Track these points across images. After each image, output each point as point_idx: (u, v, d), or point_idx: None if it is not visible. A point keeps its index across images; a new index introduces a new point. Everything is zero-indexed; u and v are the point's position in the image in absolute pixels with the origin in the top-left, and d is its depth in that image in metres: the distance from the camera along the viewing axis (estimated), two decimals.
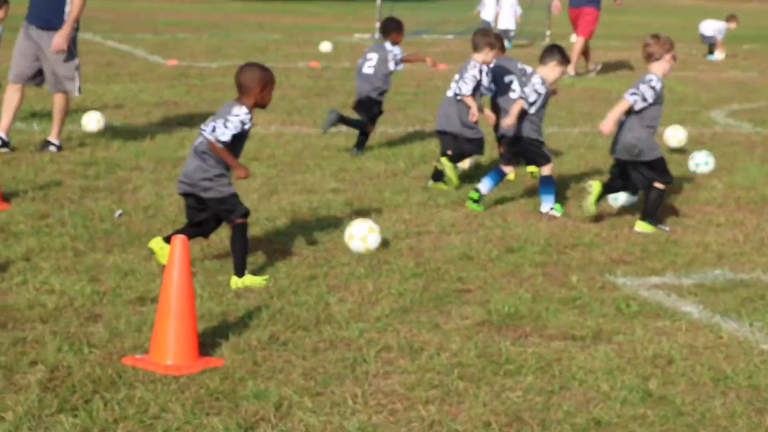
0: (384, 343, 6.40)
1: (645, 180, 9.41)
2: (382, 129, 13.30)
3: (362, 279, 7.68)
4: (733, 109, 17.05)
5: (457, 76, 10.81)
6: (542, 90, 9.92)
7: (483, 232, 9.13)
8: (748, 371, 6.16)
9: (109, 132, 12.77)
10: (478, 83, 10.75)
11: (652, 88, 9.26)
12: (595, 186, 9.41)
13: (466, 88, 10.66)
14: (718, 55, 25.82)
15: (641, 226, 9.35)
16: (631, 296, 7.52)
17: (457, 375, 5.93)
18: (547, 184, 9.96)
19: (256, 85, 7.49)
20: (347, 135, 12.87)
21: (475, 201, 9.93)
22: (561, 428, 5.31)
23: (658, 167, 9.37)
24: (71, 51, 11.56)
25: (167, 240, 7.37)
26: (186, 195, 7.64)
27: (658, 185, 9.38)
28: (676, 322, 6.99)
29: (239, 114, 7.39)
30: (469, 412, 5.47)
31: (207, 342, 6.23)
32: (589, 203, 9.36)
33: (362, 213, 9.24)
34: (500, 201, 10.23)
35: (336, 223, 9.02)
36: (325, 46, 24.44)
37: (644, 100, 9.24)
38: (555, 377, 5.96)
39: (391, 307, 7.08)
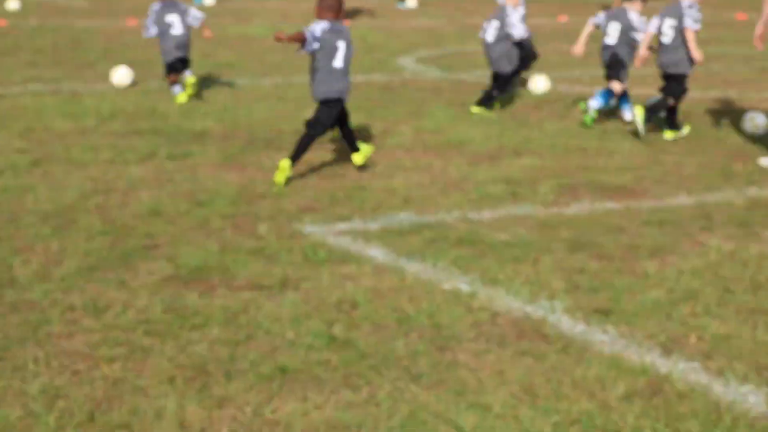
0: (68, 303, 6.27)
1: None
2: (71, 87, 12.98)
3: (47, 239, 7.49)
4: (421, 56, 17.42)
5: None
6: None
7: (172, 187, 9.05)
8: (430, 311, 6.32)
9: None
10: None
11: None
12: (638, 111, 11.08)
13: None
14: (410, 3, 26.31)
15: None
16: (318, 243, 7.60)
17: (142, 331, 5.86)
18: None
19: None
20: (34, 94, 12.49)
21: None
22: (246, 377, 5.33)
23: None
24: None
25: None
26: None
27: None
28: (362, 267, 7.11)
29: None
30: (153, 368, 5.42)
31: None
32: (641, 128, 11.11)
33: (49, 173, 9.01)
34: (189, 155, 10.17)
35: (23, 186, 8.76)
36: (13, 5, 23.63)
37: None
38: (241, 327, 5.97)
39: (77, 266, 6.93)
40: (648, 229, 8.13)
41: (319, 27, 9.19)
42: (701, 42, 18.60)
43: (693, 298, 6.63)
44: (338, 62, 9.36)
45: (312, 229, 7.98)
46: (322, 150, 10.47)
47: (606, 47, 12.10)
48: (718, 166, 10.12)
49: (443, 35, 20.48)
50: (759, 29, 10.60)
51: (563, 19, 24.29)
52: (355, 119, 11.87)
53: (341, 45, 9.33)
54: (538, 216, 8.45)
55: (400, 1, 26.30)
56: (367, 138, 11.01)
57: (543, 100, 13.44)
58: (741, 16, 25.29)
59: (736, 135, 11.45)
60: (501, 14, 12.53)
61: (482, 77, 15.05)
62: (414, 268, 7.13)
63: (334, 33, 9.27)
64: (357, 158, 9.70)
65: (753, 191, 9.26)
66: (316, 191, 9.03)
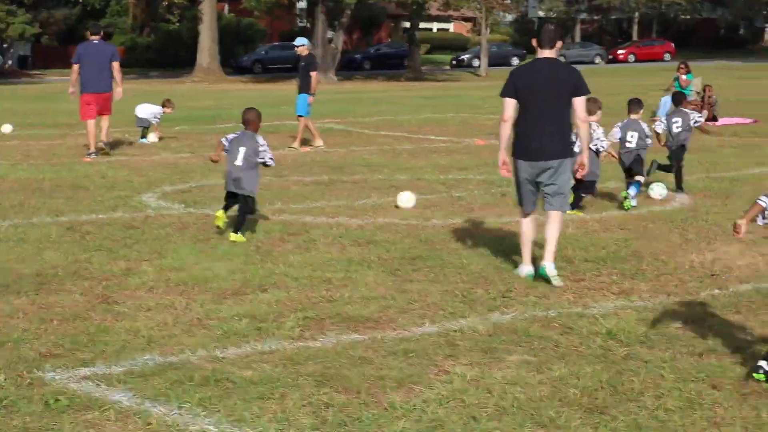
0: None
1: None
2: None
3: None
4: (165, 191, 17.31)
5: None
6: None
7: None
8: None
9: None
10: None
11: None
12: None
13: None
14: (152, 137, 26.19)
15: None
16: (60, 390, 7.36)
17: None
18: None
19: None
20: None
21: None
22: None
23: None
24: None
25: None
26: None
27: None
28: (105, 413, 6.92)
29: None
30: None
31: None
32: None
33: None
34: None
35: None
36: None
37: None
38: None
39: None
40: (394, 359, 8.19)
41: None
42: (443, 168, 19.13)
43: (439, 427, 6.70)
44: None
45: (53, 375, 7.73)
46: (63, 293, 10.23)
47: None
48: (461, 293, 10.31)
49: (187, 169, 20.42)
50: (502, 156, 11.01)
51: (306, 149, 24.59)
52: (96, 260, 11.69)
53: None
54: (284, 351, 8.42)
55: (142, 137, 26.17)
56: (109, 279, 10.82)
57: (287, 232, 13.49)
58: (479, 141, 26.14)
59: (478, 261, 11.71)
60: None
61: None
62: (159, 411, 6.98)
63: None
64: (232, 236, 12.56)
65: (495, 316, 9.47)
66: (57, 335, 8.78)
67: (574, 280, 10.88)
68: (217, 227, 13.24)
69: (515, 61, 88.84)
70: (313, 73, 24.87)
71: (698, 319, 9.29)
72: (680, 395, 7.28)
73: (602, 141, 15.30)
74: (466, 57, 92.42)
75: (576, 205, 14.77)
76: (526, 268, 11.08)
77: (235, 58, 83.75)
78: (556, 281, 10.73)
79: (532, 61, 11.22)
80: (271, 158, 13.37)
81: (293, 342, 8.70)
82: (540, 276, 10.86)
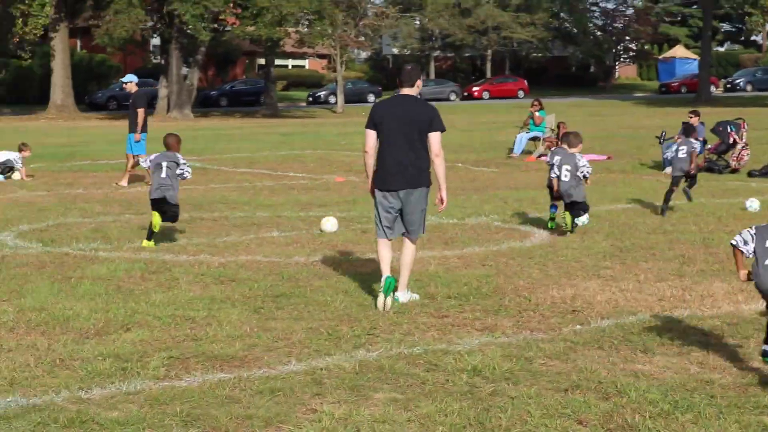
0: None
1: None
2: None
3: None
4: (22, 230, 17.00)
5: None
6: None
7: None
8: None
9: None
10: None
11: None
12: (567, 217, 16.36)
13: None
14: (17, 176, 25.86)
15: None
16: None
17: None
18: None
19: None
20: None
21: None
22: None
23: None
24: None
25: None
26: None
27: None
28: None
29: None
30: None
31: None
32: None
33: None
34: None
35: None
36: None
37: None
38: None
39: None
40: (261, 398, 8.15)
41: None
42: (303, 205, 19.17)
43: None
44: None
45: None
46: None
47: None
48: (326, 330, 10.31)
49: (43, 208, 20.08)
50: (370, 185, 11.71)
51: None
52: None
53: None
54: (150, 391, 8.32)
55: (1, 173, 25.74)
56: None
57: (148, 270, 13.35)
58: (339, 179, 26.25)
59: (342, 298, 11.73)
60: None
61: (86, 249, 14.84)
62: None
63: None
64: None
65: (361, 353, 9.49)
66: None
67: (437, 317, 10.97)
68: (152, 227, 15.35)
69: (371, 98, 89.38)
70: (139, 110, 24.57)
71: (562, 354, 9.43)
72: (547, 431, 7.38)
73: (587, 168, 16.68)
74: (322, 93, 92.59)
75: (573, 224, 16.54)
76: (383, 277, 11.37)
77: (89, 94, 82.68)
78: (403, 298, 11.57)
79: (393, 96, 11.87)
80: (189, 171, 15.65)
81: (158, 382, 8.60)
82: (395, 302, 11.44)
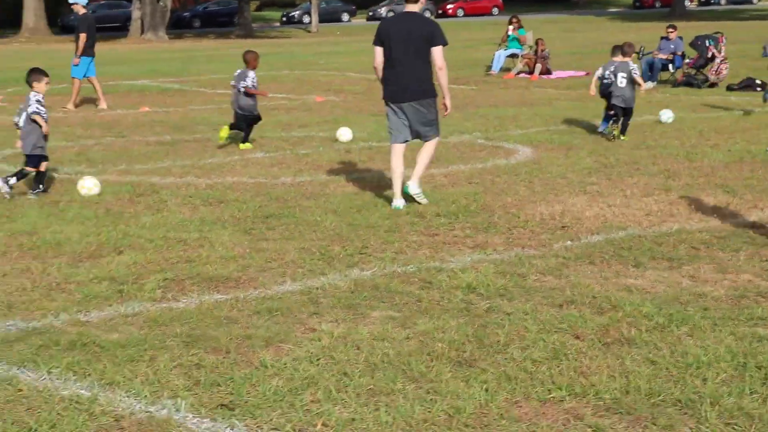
0: None
1: None
2: None
3: None
4: (5, 155, 16.95)
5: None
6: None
7: None
8: (51, 420, 6.13)
9: None
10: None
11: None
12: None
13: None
14: None
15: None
16: None
17: None
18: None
19: None
20: None
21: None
22: None
23: None
24: None
25: None
26: None
27: None
28: None
29: None
30: None
31: None
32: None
33: None
34: None
35: None
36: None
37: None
38: None
39: None
40: (259, 318, 8.21)
41: None
42: (284, 125, 19.15)
43: (313, 384, 6.75)
44: None
45: None
46: None
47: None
48: (318, 250, 10.36)
49: None
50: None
51: (144, 109, 24.29)
52: None
53: None
54: (148, 313, 8.36)
55: None
56: None
57: (136, 193, 13.35)
58: (319, 98, 26.18)
59: (332, 218, 11.77)
60: None
61: (72, 173, 14.81)
62: (28, 377, 6.89)
63: None
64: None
65: (355, 273, 9.54)
66: None
67: (428, 235, 11.01)
68: (220, 140, 17.59)
69: (345, 17, 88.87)
70: (81, 34, 24.24)
71: (554, 270, 9.50)
72: (545, 346, 7.45)
73: (636, 70, 18.07)
74: (296, 13, 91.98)
75: (623, 131, 17.85)
76: (396, 202, 12.36)
77: (62, 16, 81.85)
78: (420, 198, 12.41)
79: (398, 14, 12.72)
80: (254, 85, 17.38)
81: (156, 304, 8.65)
82: (405, 193, 12.36)
